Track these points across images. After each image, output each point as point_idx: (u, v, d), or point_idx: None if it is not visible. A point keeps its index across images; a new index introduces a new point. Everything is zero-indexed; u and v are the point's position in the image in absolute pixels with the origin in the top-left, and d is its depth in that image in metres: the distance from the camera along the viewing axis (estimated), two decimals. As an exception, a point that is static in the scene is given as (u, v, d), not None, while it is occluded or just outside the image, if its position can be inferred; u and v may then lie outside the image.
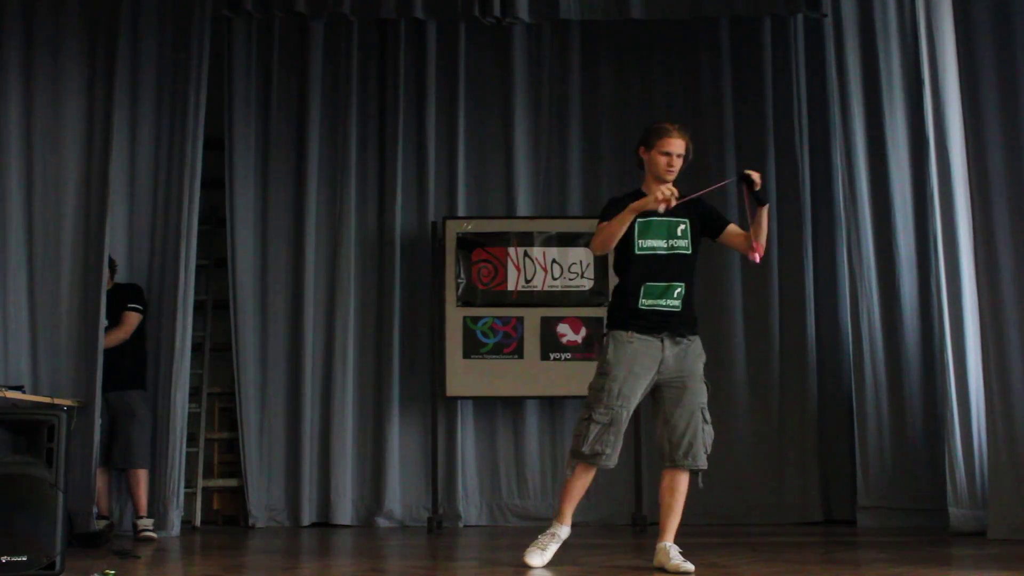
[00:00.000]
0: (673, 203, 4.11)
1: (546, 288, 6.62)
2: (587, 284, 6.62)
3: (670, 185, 4.17)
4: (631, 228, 4.28)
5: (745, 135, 7.04)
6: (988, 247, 5.48)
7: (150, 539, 5.74)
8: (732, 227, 4.45)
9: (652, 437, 4.48)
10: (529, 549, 4.31)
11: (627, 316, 4.31)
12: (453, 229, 6.67)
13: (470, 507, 6.73)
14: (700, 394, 4.29)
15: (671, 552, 4.19)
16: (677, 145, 4.33)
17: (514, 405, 6.76)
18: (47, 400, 5.14)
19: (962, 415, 5.80)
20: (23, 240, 5.87)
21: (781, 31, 7.09)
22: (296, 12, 6.31)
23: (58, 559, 4.11)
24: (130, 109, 6.31)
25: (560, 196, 7.05)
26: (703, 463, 4.27)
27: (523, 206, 6.94)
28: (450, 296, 6.62)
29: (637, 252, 4.31)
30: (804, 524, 6.54)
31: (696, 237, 4.38)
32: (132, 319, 6.04)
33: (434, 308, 6.69)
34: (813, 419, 6.75)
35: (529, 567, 4.26)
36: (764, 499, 6.68)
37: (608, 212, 4.33)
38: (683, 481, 4.29)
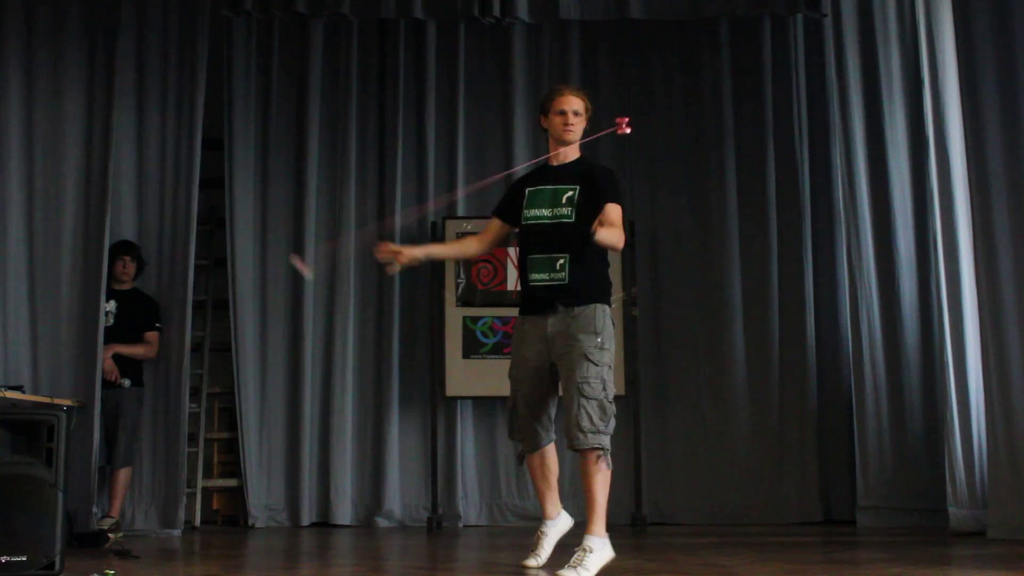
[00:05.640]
0: (396, 266, 4.13)
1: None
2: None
3: (389, 248, 4.15)
4: (521, 199, 4.21)
5: (745, 135, 7.04)
6: (988, 247, 5.47)
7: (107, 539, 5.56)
8: (608, 207, 4.06)
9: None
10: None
11: (523, 298, 4.25)
12: (453, 229, 6.66)
13: (470, 507, 6.72)
14: (582, 369, 3.99)
15: (575, 554, 3.94)
16: (571, 102, 4.20)
17: (514, 405, 6.74)
18: (47, 400, 5.13)
19: (962, 415, 5.80)
20: (23, 240, 5.87)
21: (781, 31, 7.09)
22: (296, 12, 6.30)
23: (58, 559, 4.11)
24: (130, 109, 6.31)
25: (560, 196, 7.04)
26: (582, 442, 3.96)
27: (523, 206, 6.93)
28: (450, 296, 6.62)
29: (523, 223, 4.22)
30: (804, 524, 6.53)
31: (584, 204, 4.08)
32: (157, 339, 6.13)
33: (434, 308, 6.69)
34: (813, 419, 6.75)
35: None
36: (764, 499, 6.68)
37: (503, 197, 4.40)
38: (587, 463, 3.99)
